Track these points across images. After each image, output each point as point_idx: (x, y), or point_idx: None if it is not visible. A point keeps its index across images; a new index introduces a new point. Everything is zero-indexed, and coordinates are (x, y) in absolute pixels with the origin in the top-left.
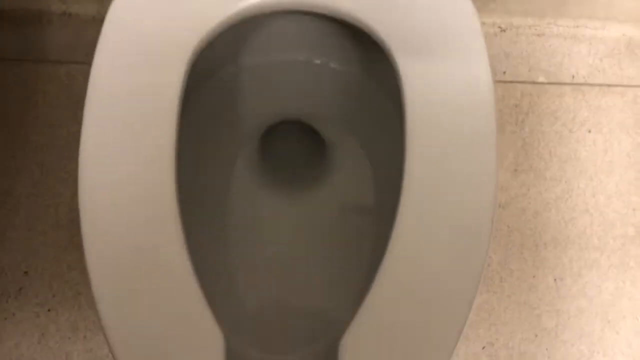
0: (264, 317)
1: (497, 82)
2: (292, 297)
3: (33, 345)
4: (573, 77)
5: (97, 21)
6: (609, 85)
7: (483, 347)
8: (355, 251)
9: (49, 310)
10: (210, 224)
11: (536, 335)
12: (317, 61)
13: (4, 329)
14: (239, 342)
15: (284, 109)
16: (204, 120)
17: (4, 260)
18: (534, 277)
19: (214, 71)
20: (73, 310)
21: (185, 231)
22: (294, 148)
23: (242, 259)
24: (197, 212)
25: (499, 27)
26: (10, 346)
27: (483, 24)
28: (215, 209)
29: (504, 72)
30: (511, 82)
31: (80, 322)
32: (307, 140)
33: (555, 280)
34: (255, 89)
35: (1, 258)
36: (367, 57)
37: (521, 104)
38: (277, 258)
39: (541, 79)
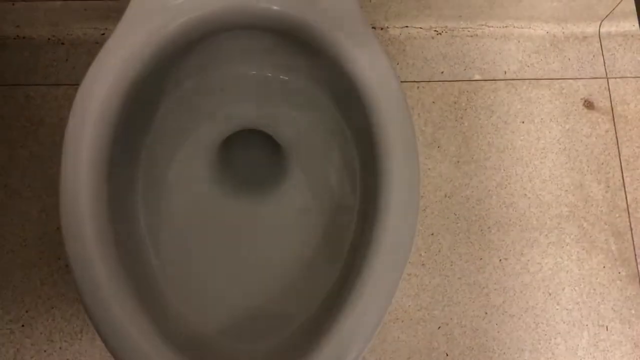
0: (233, 313)
1: (436, 81)
2: (256, 294)
3: None
4: (505, 73)
5: (52, 43)
6: (537, 79)
7: (439, 327)
8: (314, 249)
9: (22, 325)
10: (175, 231)
11: (486, 313)
12: (268, 74)
13: None
14: (212, 333)
15: (241, 119)
16: (167, 133)
17: None
18: (481, 259)
19: (176, 85)
20: (47, 323)
21: (153, 242)
22: (252, 154)
23: (210, 261)
24: (162, 222)
25: (435, 31)
26: None
27: (420, 28)
28: (179, 217)
29: (442, 72)
30: (449, 81)
31: (55, 334)
32: (264, 146)
33: (500, 260)
34: (214, 102)
35: None
36: (309, 64)
37: (459, 100)
38: (240, 258)
39: (476, 76)
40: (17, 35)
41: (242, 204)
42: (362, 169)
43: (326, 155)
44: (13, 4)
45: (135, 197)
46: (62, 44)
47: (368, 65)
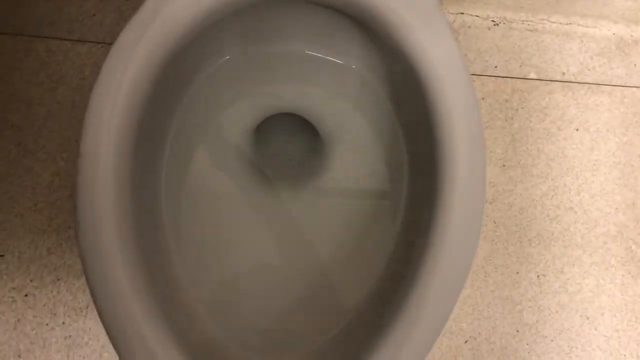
0: (258, 320)
1: (488, 76)
2: (286, 299)
3: (9, 332)
4: (563, 74)
5: None
6: (598, 84)
7: (465, 341)
8: (351, 251)
9: (26, 295)
10: (204, 224)
11: (517, 331)
12: (318, 54)
13: None
14: (232, 342)
15: (281, 101)
16: (199, 110)
17: None
18: (517, 273)
19: (218, 55)
20: (52, 295)
21: (175, 235)
22: (289, 141)
23: (243, 261)
24: (189, 214)
25: (492, 21)
26: None
27: (477, 17)
28: (209, 208)
29: (496, 67)
30: (502, 77)
31: (59, 307)
32: (302, 133)
33: (538, 276)
34: (254, 78)
35: None
36: (366, 46)
37: (511, 99)
38: (269, 256)
39: (532, 75)
40: None
41: (274, 196)
42: (413, 164)
43: (371, 149)
44: None
45: (159, 177)
46: None
47: (431, 47)
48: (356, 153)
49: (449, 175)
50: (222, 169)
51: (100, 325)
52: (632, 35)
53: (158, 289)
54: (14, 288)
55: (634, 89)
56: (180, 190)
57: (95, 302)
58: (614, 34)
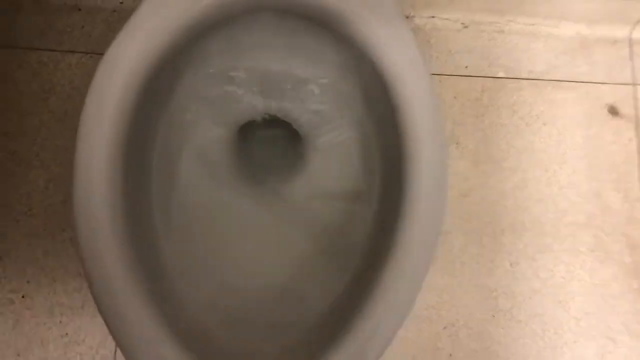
0: (245, 306)
1: (459, 76)
2: (270, 286)
3: (8, 332)
4: (530, 72)
5: (68, 8)
6: (563, 81)
7: (444, 327)
8: (332, 239)
9: (23, 296)
10: (187, 216)
11: (493, 316)
12: (293, 62)
13: None
14: (221, 330)
15: (261, 106)
16: (185, 115)
17: None
18: (492, 261)
19: (201, 63)
20: (48, 296)
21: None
22: (270, 142)
23: (222, 250)
24: (174, 206)
25: (462, 24)
26: None
27: (447, 20)
28: (191, 200)
29: (466, 67)
30: (473, 76)
31: (55, 307)
32: (282, 134)
33: (511, 264)
34: (236, 86)
35: None
36: (336, 51)
37: (482, 97)
38: (255, 246)
39: (501, 73)
40: None
41: (258, 191)
42: (384, 162)
43: (347, 149)
44: None
45: (149, 177)
46: (79, 10)
47: (395, 50)
48: (333, 153)
49: (413, 169)
50: (207, 166)
51: (96, 323)
52: (593, 35)
53: (148, 277)
54: (11, 290)
55: (598, 84)
56: (170, 189)
57: (92, 290)
58: (577, 33)
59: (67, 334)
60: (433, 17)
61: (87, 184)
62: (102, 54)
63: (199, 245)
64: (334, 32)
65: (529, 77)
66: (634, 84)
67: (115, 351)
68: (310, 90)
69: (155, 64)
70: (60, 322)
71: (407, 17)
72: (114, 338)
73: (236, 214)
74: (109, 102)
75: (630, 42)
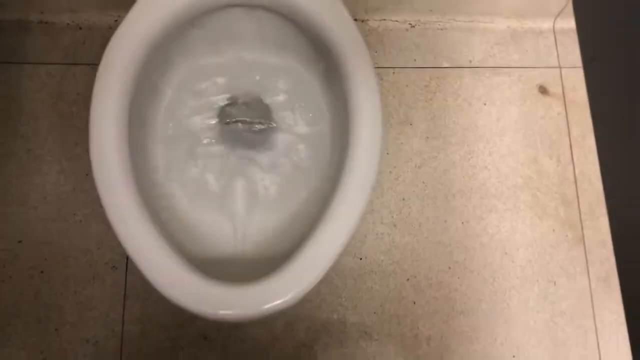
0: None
1: (409, 68)
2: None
3: (30, 302)
4: (470, 61)
5: (71, 27)
6: (498, 67)
7: (407, 279)
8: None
9: (42, 272)
10: (181, 163)
11: (449, 267)
12: (264, 48)
13: (3, 290)
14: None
15: (241, 86)
16: (180, 92)
17: (0, 232)
18: (445, 221)
19: (186, 51)
20: (63, 271)
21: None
22: (247, 115)
23: (209, 199)
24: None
25: (410, 24)
26: (9, 304)
27: (396, 21)
28: (185, 151)
29: (415, 60)
30: (421, 67)
31: (70, 280)
32: (258, 109)
33: (462, 223)
34: (218, 70)
35: None
36: (294, 36)
37: (430, 85)
38: (236, 194)
39: (445, 64)
40: (41, 20)
41: (241, 151)
42: (334, 113)
43: (308, 106)
44: None
45: (153, 137)
46: (80, 28)
47: (338, 26)
48: (299, 112)
49: (355, 121)
50: (199, 131)
51: (105, 292)
52: (522, 27)
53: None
54: (31, 267)
55: (528, 69)
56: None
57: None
58: (508, 26)
59: (81, 301)
60: (384, 19)
61: (100, 136)
62: None
63: (191, 185)
64: (294, 22)
65: (470, 66)
66: (560, 67)
67: (123, 314)
68: (277, 73)
69: (146, 51)
70: (75, 291)
71: (362, 21)
72: (125, 247)
73: (221, 164)
74: (114, 74)
75: (555, 32)
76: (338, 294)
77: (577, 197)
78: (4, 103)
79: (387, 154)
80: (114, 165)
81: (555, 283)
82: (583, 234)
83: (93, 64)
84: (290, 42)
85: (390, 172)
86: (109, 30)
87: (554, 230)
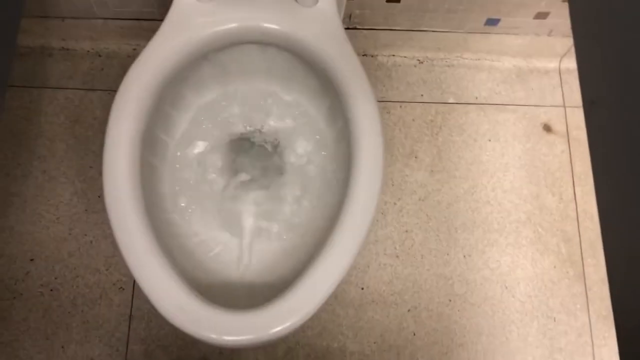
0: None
1: (416, 102)
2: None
3: (38, 319)
4: (476, 98)
5: (91, 55)
6: (504, 105)
7: (408, 310)
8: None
9: (51, 290)
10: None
11: (450, 300)
12: (271, 83)
13: (14, 306)
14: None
15: (245, 121)
16: (191, 126)
17: (14, 250)
18: (447, 254)
19: (198, 85)
20: (72, 289)
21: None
22: (254, 149)
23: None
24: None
25: (418, 60)
26: (19, 320)
27: (405, 57)
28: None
29: (422, 95)
30: (427, 102)
31: (78, 299)
32: (264, 143)
33: (464, 256)
34: (226, 105)
35: (11, 248)
36: (302, 71)
37: (435, 119)
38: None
39: (451, 100)
40: (62, 47)
41: (248, 182)
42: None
43: (312, 139)
44: (63, 20)
45: (163, 164)
46: (99, 56)
47: (344, 66)
48: (302, 146)
49: (357, 156)
50: (206, 160)
51: (111, 311)
52: (528, 66)
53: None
54: (42, 285)
55: (533, 107)
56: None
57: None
58: (514, 65)
59: (87, 321)
60: (393, 55)
61: (113, 161)
62: None
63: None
64: (303, 60)
65: (475, 102)
66: (565, 106)
67: (128, 334)
68: (285, 106)
69: (162, 81)
70: (82, 311)
71: (372, 56)
72: (132, 273)
73: (229, 199)
74: (130, 102)
75: (560, 71)
76: (339, 322)
77: (579, 234)
78: (24, 125)
79: (392, 185)
80: (125, 190)
81: (555, 319)
82: (584, 271)
83: (110, 90)
84: (298, 78)
85: (395, 203)
86: (127, 58)
87: (555, 267)
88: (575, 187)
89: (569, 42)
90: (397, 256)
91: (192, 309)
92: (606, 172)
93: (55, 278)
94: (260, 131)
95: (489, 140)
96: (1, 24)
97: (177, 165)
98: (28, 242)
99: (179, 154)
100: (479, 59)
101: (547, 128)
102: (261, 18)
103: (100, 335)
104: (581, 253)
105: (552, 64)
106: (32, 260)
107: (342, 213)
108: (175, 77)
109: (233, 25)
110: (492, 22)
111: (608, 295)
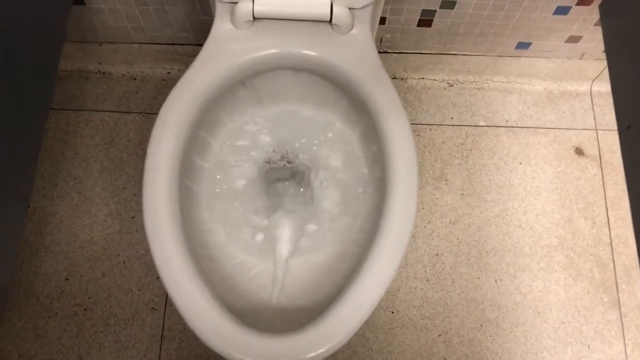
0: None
1: (446, 125)
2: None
3: (72, 338)
4: (507, 121)
5: (126, 78)
6: (534, 128)
7: (439, 335)
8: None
9: (85, 309)
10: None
11: (481, 325)
12: (306, 109)
13: (49, 325)
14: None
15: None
16: (225, 156)
17: (49, 269)
18: (478, 278)
19: (233, 111)
20: (105, 309)
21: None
22: (286, 176)
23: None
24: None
25: (447, 83)
26: (53, 339)
27: (434, 80)
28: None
29: (452, 118)
30: (458, 125)
31: (111, 319)
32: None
33: (495, 280)
34: (263, 130)
35: (46, 267)
36: (337, 98)
37: (466, 142)
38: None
39: (481, 122)
40: (99, 71)
41: (283, 204)
42: (373, 177)
43: (347, 162)
44: (100, 45)
45: (199, 187)
46: (134, 79)
47: (378, 91)
48: (336, 169)
49: (391, 179)
50: (244, 186)
51: (143, 331)
52: (559, 89)
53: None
54: (76, 304)
55: (564, 130)
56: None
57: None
58: (545, 88)
59: (120, 340)
60: (423, 78)
61: (153, 186)
62: (152, 114)
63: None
64: (337, 84)
65: (506, 125)
66: (597, 129)
67: (159, 355)
68: (318, 132)
69: (201, 106)
70: (115, 331)
71: (402, 79)
72: (173, 301)
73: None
74: (167, 129)
75: (592, 95)
76: (369, 347)
77: (613, 259)
78: (61, 147)
79: (423, 208)
80: (164, 216)
81: (589, 346)
82: (618, 297)
83: (144, 113)
84: (331, 102)
85: (425, 227)
86: (161, 82)
87: (588, 292)
88: (609, 212)
89: (601, 65)
90: (428, 280)
91: (230, 333)
92: None
93: (89, 298)
94: (294, 155)
95: (520, 164)
96: (46, 55)
97: (217, 190)
98: (63, 262)
99: (218, 176)
100: (509, 82)
101: (579, 151)
102: (299, 45)
103: (132, 356)
104: (615, 279)
105: (584, 87)
106: (66, 279)
107: (378, 237)
108: (213, 103)
109: (273, 51)
110: (523, 45)
111: None
